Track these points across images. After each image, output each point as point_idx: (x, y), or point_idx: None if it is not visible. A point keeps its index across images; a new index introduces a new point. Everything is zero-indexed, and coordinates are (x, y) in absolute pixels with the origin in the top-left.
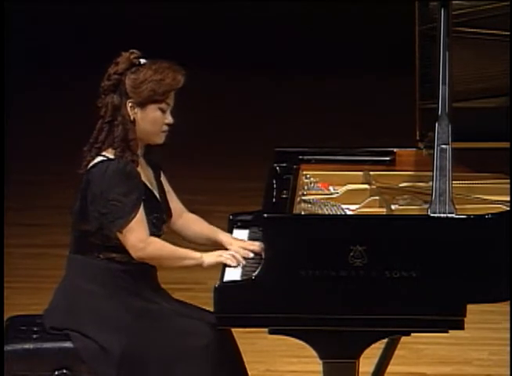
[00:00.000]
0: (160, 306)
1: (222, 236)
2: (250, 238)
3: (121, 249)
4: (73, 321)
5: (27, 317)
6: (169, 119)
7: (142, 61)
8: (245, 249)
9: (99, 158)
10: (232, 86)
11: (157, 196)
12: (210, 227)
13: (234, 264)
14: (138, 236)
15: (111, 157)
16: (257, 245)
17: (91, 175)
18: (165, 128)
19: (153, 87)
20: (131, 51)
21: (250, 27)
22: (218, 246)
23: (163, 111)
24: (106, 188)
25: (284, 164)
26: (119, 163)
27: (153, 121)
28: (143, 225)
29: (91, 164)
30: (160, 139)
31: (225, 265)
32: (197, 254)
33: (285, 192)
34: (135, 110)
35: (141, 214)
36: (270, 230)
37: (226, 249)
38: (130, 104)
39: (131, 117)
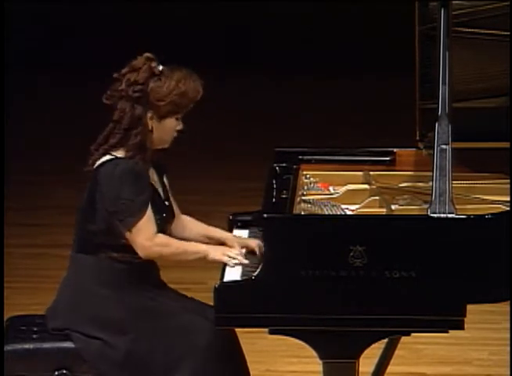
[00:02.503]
0: (163, 305)
1: (221, 234)
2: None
3: (125, 248)
4: (77, 321)
5: (27, 317)
6: (180, 126)
7: (161, 68)
8: (245, 245)
9: (107, 157)
10: (232, 86)
11: (162, 196)
12: (206, 226)
13: (234, 266)
14: (145, 235)
15: (120, 156)
16: (255, 242)
17: (100, 173)
18: (175, 134)
19: (176, 101)
20: (148, 56)
21: (250, 27)
22: (217, 244)
23: (178, 120)
24: (116, 187)
25: (284, 164)
26: (128, 162)
27: (169, 131)
28: (151, 224)
29: (99, 163)
30: (168, 144)
31: (225, 265)
32: (203, 247)
33: (285, 192)
34: (154, 120)
35: (149, 213)
36: (270, 230)
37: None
38: (150, 115)
39: (150, 127)
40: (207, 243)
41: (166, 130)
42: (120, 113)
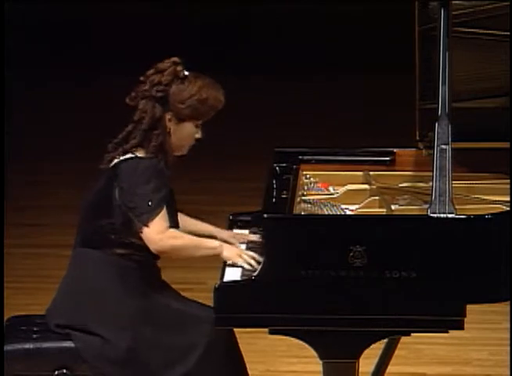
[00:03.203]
0: (165, 304)
1: (222, 234)
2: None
3: (133, 246)
4: (80, 317)
5: (27, 317)
6: (199, 134)
7: (186, 73)
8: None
9: (128, 155)
10: (232, 86)
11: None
12: (206, 225)
13: (256, 266)
14: (157, 229)
15: (140, 155)
16: (256, 238)
17: (120, 169)
18: (193, 142)
19: (196, 106)
20: (175, 60)
21: (249, 27)
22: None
23: (197, 127)
24: (136, 183)
25: (284, 164)
26: (151, 160)
27: (187, 136)
28: (166, 220)
29: (119, 159)
30: (185, 152)
31: (225, 265)
32: (216, 243)
33: (285, 192)
34: (172, 122)
35: (165, 210)
36: (270, 230)
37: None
38: (169, 117)
39: (168, 129)
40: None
41: (184, 134)
42: (141, 114)
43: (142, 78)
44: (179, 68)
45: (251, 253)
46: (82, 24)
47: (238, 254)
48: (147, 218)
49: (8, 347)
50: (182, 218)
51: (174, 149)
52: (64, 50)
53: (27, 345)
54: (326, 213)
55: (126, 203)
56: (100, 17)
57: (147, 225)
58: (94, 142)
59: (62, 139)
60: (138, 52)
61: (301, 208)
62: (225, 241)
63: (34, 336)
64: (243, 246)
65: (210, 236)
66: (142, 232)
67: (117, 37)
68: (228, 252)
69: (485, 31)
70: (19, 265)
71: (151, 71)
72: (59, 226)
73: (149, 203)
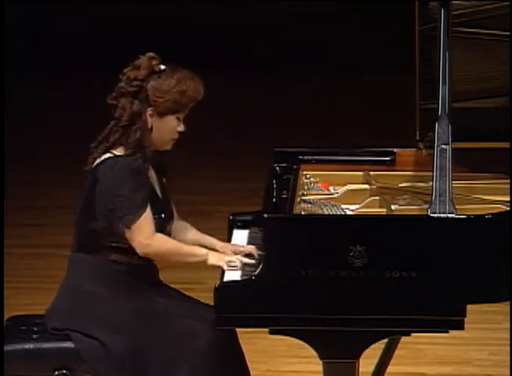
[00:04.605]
0: (162, 306)
1: (213, 242)
2: (250, 238)
3: (124, 250)
4: (76, 321)
5: (27, 317)
6: (182, 127)
7: (163, 67)
8: (239, 252)
9: (107, 155)
10: (232, 86)
11: (160, 196)
12: (201, 234)
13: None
14: (144, 233)
15: (119, 154)
16: (251, 248)
17: (99, 171)
18: (176, 135)
19: (176, 98)
20: (151, 55)
21: (249, 27)
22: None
23: (179, 120)
24: (115, 184)
25: (284, 164)
26: (127, 159)
27: (169, 130)
28: (150, 223)
29: (98, 161)
30: (169, 146)
31: None
32: (202, 251)
33: (285, 192)
34: (154, 118)
35: (148, 211)
36: (270, 230)
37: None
38: (150, 112)
39: (149, 125)
40: None
41: (166, 129)
42: (120, 111)
43: (120, 76)
44: (155, 62)
45: (233, 258)
46: (82, 24)
47: (222, 260)
48: (130, 220)
49: (8, 347)
50: (184, 227)
51: (158, 144)
52: (64, 50)
53: (27, 345)
54: (326, 213)
55: (106, 204)
56: (100, 17)
57: (132, 228)
58: (94, 142)
59: (62, 139)
60: (138, 53)
61: (301, 208)
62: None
63: (34, 336)
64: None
65: (210, 247)
66: (127, 235)
67: (117, 37)
68: (212, 260)
69: (485, 31)
70: (19, 265)
71: (128, 68)
72: (59, 226)
73: (131, 204)
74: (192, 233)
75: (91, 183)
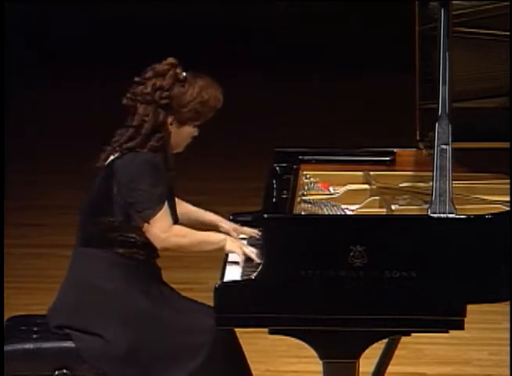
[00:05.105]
0: (167, 304)
1: (224, 224)
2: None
3: (134, 245)
4: (80, 317)
5: (27, 317)
6: (196, 132)
7: (184, 75)
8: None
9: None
10: (232, 86)
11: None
12: (207, 213)
13: (256, 260)
14: (162, 227)
15: (138, 150)
16: (250, 230)
17: (117, 165)
18: (190, 140)
19: (198, 108)
20: (173, 62)
21: (249, 27)
22: (208, 227)
23: (195, 127)
24: (134, 178)
25: (284, 164)
26: (147, 154)
27: (186, 137)
28: (167, 216)
29: (113, 157)
30: (182, 149)
31: (225, 265)
32: (220, 237)
33: (285, 192)
34: (173, 125)
35: (166, 205)
36: (270, 230)
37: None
38: (170, 120)
39: (169, 132)
40: (199, 229)
41: (183, 136)
42: (142, 118)
43: (138, 79)
44: (178, 70)
45: (253, 248)
46: (82, 24)
47: (240, 248)
48: (149, 214)
49: (8, 347)
50: (182, 205)
51: (173, 148)
52: (64, 50)
53: (27, 345)
54: (326, 213)
55: (125, 198)
56: (100, 17)
57: (150, 222)
58: (94, 142)
59: (62, 139)
60: (138, 53)
61: (301, 208)
62: (227, 232)
63: (34, 336)
64: (244, 242)
65: (211, 224)
66: (145, 229)
67: (117, 37)
68: (230, 245)
69: (485, 31)
70: (19, 265)
71: (149, 74)
72: (59, 226)
73: (150, 198)
74: (194, 211)
75: (106, 178)
